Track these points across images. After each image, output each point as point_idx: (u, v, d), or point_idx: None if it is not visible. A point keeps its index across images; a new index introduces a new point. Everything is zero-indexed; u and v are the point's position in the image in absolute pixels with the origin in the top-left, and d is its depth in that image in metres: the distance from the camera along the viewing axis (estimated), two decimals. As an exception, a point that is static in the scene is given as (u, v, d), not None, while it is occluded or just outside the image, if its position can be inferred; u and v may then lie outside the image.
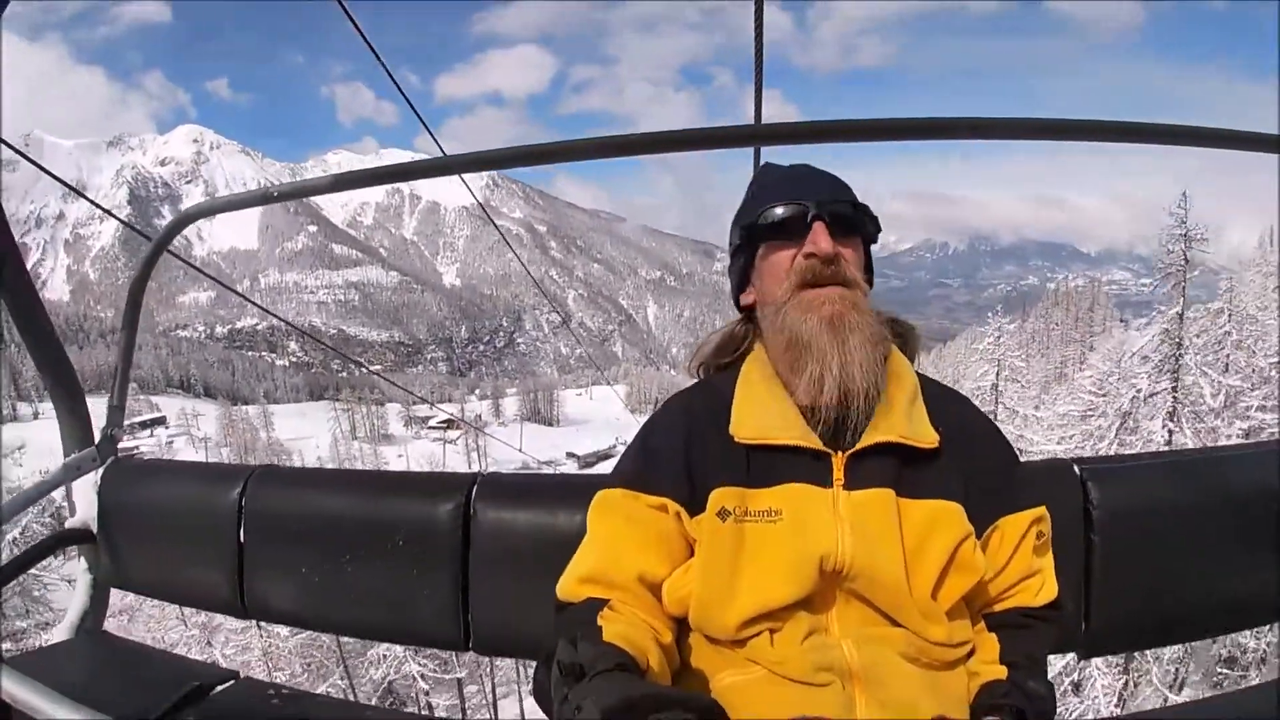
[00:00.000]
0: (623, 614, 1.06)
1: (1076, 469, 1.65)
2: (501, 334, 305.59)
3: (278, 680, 2.69)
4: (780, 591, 1.05)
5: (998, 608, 1.16)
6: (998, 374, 18.80)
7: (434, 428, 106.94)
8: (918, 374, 1.22)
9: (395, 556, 1.87)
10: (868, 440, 1.10)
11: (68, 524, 2.33)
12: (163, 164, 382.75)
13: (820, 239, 1.12)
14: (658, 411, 1.28)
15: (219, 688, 1.92)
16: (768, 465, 1.12)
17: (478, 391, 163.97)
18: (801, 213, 1.14)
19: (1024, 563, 1.15)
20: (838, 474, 1.10)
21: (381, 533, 1.89)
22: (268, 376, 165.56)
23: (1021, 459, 1.34)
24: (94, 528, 2.30)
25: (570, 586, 1.13)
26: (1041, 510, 1.17)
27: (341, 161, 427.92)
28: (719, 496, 1.10)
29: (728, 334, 1.32)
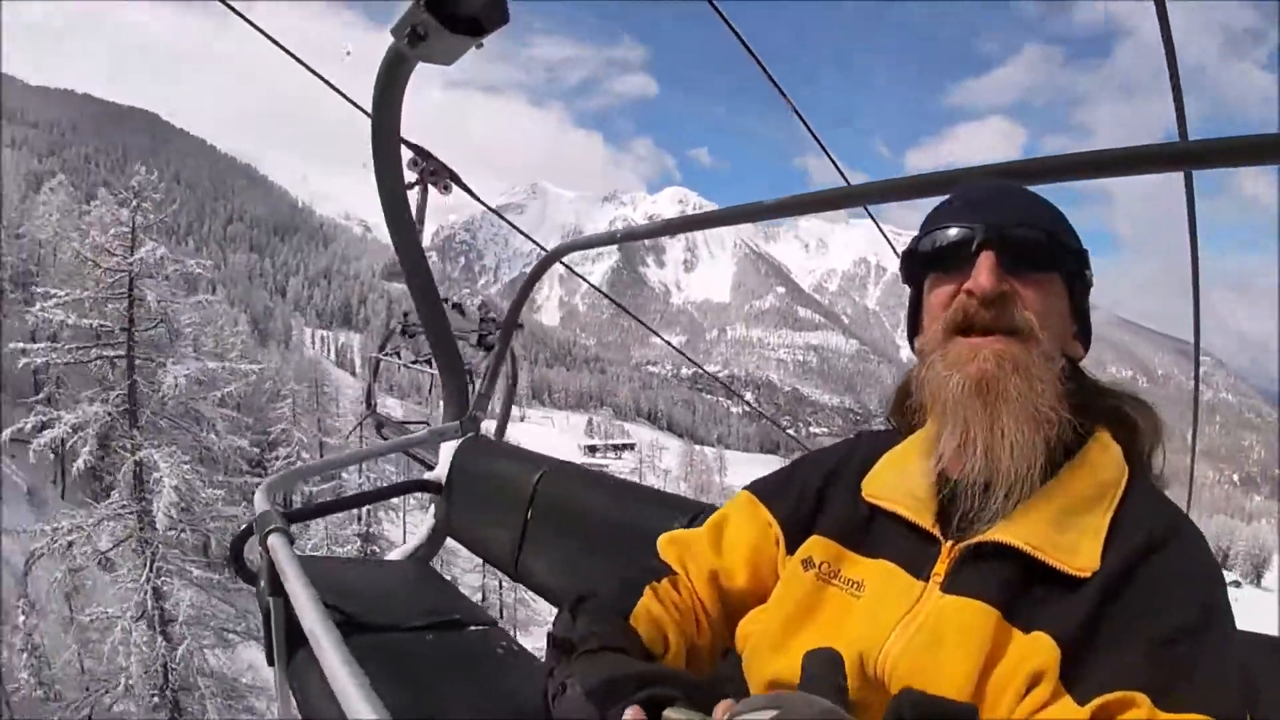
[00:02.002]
0: (679, 594, 1.03)
1: None
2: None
3: (521, 640, 2.54)
4: None
5: None
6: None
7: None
8: (1139, 478, 0.90)
9: (625, 562, 2.03)
10: (986, 535, 0.85)
11: (427, 475, 2.90)
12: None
13: (982, 272, 0.88)
14: (836, 443, 1.18)
15: (472, 627, 2.24)
16: (880, 532, 0.96)
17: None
18: (967, 237, 0.91)
19: None
20: (938, 567, 0.88)
21: (622, 538, 2.06)
22: (724, 422, 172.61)
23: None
24: (443, 483, 2.84)
25: (662, 542, 1.14)
26: None
27: (810, 226, 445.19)
28: (811, 544, 1.00)
29: (904, 384, 1.07)
